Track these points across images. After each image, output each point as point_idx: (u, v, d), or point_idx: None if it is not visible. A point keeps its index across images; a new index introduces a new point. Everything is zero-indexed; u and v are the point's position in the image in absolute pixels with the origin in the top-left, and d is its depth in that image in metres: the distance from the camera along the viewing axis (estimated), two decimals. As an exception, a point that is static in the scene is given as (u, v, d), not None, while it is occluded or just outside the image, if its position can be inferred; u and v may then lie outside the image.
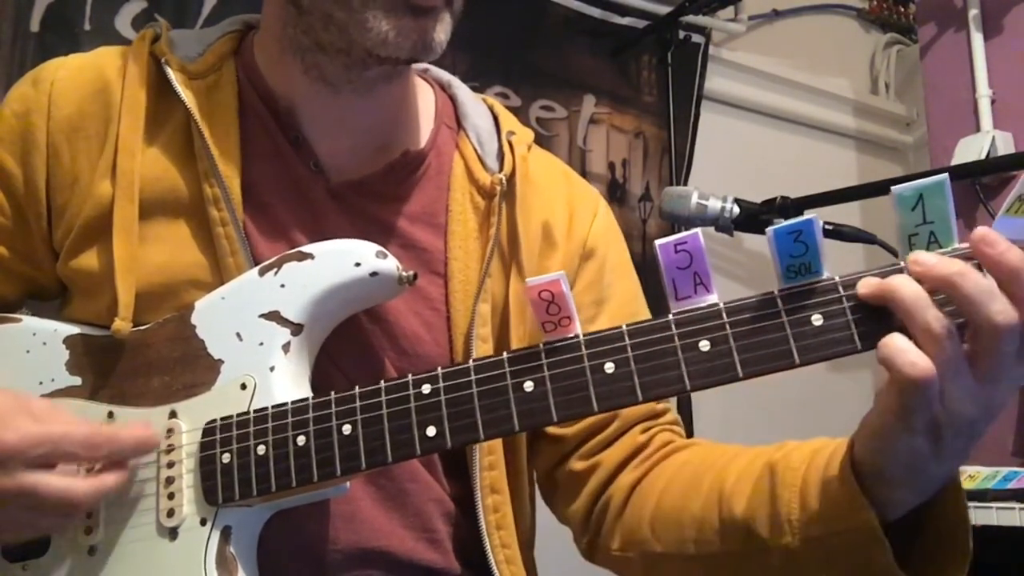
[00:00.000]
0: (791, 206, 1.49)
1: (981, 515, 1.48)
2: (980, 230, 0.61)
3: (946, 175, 0.62)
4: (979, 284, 0.60)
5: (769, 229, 0.65)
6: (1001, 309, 0.60)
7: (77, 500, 0.73)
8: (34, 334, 0.86)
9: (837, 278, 0.66)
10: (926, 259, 0.62)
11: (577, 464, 0.92)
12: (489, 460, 0.86)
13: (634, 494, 0.89)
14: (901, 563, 0.67)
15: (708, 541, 0.79)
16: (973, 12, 2.33)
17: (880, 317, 0.63)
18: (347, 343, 0.85)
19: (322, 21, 0.83)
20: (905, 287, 0.62)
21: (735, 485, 0.78)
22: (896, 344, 0.61)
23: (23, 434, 0.71)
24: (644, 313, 0.99)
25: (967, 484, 1.60)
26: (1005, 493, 1.50)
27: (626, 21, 2.37)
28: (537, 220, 0.94)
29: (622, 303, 0.97)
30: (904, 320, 0.62)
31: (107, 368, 0.83)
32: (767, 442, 0.81)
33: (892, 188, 0.64)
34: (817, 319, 0.65)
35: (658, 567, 0.85)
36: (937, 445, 0.64)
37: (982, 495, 1.53)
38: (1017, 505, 1.46)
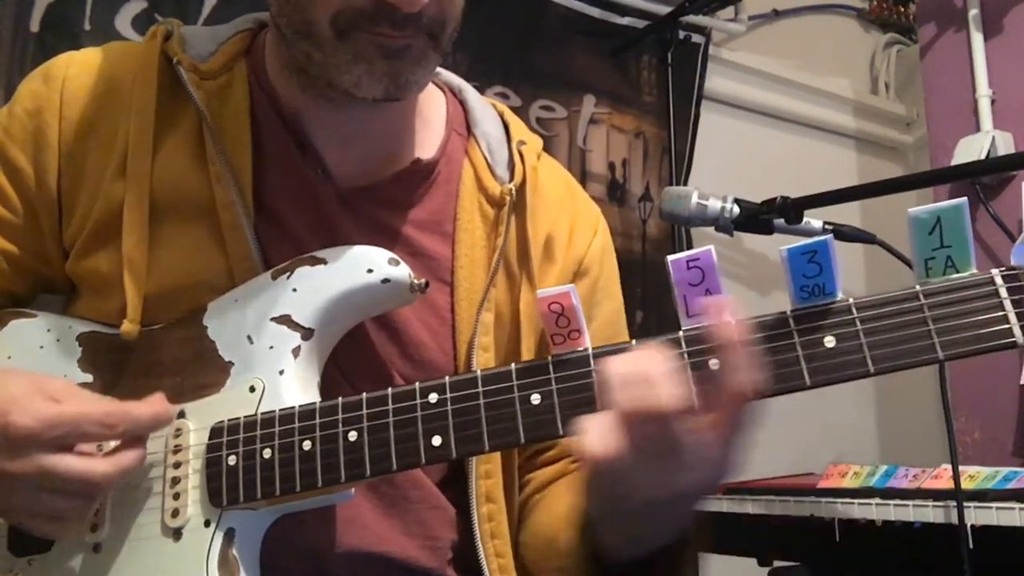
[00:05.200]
0: (791, 206, 1.48)
1: (981, 515, 1.47)
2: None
3: (965, 199, 0.62)
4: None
5: (783, 249, 0.64)
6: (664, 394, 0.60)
7: (97, 480, 0.72)
8: (49, 330, 0.86)
9: (851, 300, 0.65)
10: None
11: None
12: (486, 468, 0.86)
13: (527, 518, 0.91)
14: None
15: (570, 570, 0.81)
16: (973, 12, 2.32)
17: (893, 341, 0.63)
18: (353, 348, 0.84)
19: (305, 57, 0.82)
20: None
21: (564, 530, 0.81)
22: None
23: (39, 416, 0.70)
24: (624, 333, 1.00)
25: (967, 484, 1.59)
26: (1005, 493, 1.49)
27: (626, 21, 2.37)
28: (542, 233, 0.93)
29: (605, 323, 0.97)
30: None
31: (119, 366, 0.83)
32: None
33: (909, 211, 0.63)
34: (830, 341, 0.65)
35: None
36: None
37: (982, 495, 1.52)
38: (1017, 505, 1.45)
